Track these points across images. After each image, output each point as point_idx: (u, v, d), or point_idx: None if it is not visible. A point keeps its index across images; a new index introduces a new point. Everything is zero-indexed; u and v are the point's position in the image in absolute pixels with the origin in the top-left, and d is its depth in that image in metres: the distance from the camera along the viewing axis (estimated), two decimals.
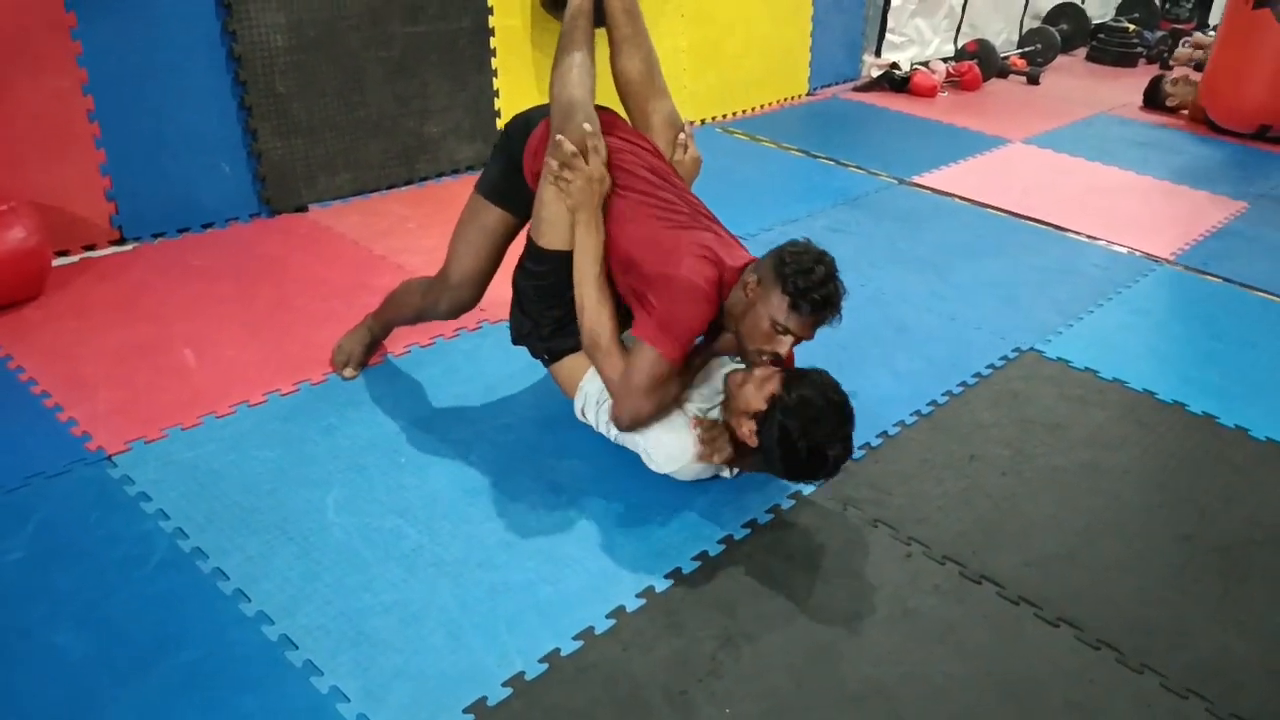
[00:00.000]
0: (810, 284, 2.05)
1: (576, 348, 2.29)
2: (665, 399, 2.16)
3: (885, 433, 2.61)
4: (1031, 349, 3.09)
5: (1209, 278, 3.75)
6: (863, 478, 2.42)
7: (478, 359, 2.83)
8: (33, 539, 2.04)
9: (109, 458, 2.29)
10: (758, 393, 2.07)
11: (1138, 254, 3.92)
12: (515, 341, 2.43)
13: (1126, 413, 2.80)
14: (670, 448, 2.17)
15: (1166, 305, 3.55)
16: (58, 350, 2.71)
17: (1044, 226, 4.13)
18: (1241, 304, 3.56)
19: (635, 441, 2.22)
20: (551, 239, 2.24)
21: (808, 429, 2.01)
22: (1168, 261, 3.86)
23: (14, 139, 3.07)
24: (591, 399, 2.29)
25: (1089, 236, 4.05)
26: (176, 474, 2.25)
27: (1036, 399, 2.83)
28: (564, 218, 2.21)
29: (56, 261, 3.14)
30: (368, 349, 2.72)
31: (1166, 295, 3.62)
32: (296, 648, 1.80)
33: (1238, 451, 2.66)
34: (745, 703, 1.77)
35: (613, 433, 2.25)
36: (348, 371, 2.67)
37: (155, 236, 3.42)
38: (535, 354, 2.40)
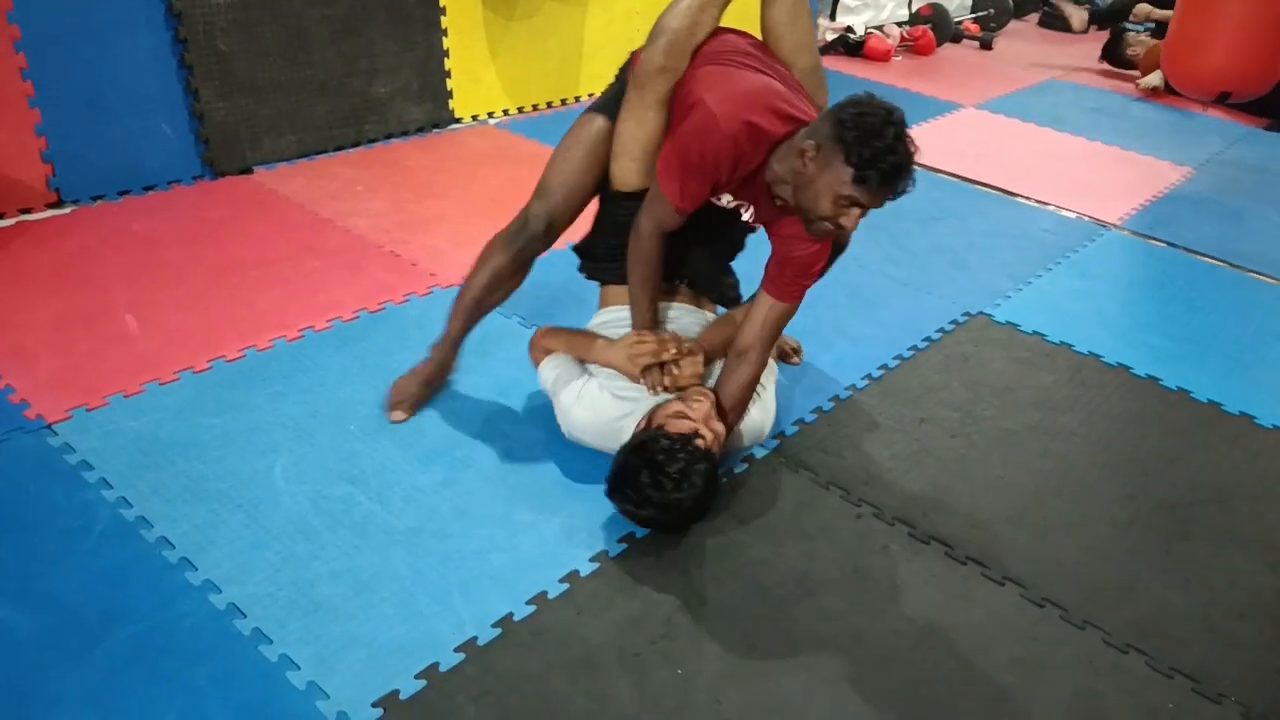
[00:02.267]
0: (879, 150, 1.76)
1: (613, 280, 2.35)
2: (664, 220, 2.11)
3: (837, 396, 2.63)
4: (981, 313, 3.13)
5: (1155, 242, 3.81)
6: (814, 440, 2.44)
7: (427, 325, 2.78)
8: None
9: (48, 426, 2.23)
10: (680, 424, 2.02)
11: (1086, 219, 3.97)
12: (576, 249, 2.45)
13: (1073, 375, 2.85)
14: (574, 414, 2.19)
15: (1114, 270, 3.60)
16: None
17: (995, 191, 4.16)
18: (1187, 268, 3.62)
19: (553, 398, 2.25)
20: (626, 180, 2.21)
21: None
22: (1115, 226, 3.92)
23: None
24: (549, 371, 2.29)
25: (1039, 201, 4.09)
26: (119, 442, 2.20)
27: (985, 362, 2.87)
28: (640, 157, 2.16)
29: None
30: (430, 387, 2.44)
31: (1114, 260, 3.67)
32: (245, 616, 1.78)
33: (1180, 413, 2.71)
34: (698, 663, 1.78)
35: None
36: (396, 414, 2.35)
37: (94, 199, 3.32)
38: (580, 268, 2.45)
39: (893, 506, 2.23)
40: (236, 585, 1.85)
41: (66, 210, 3.25)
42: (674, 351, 2.16)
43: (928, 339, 2.95)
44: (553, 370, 2.26)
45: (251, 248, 3.11)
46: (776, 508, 2.21)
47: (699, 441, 1.96)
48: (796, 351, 2.77)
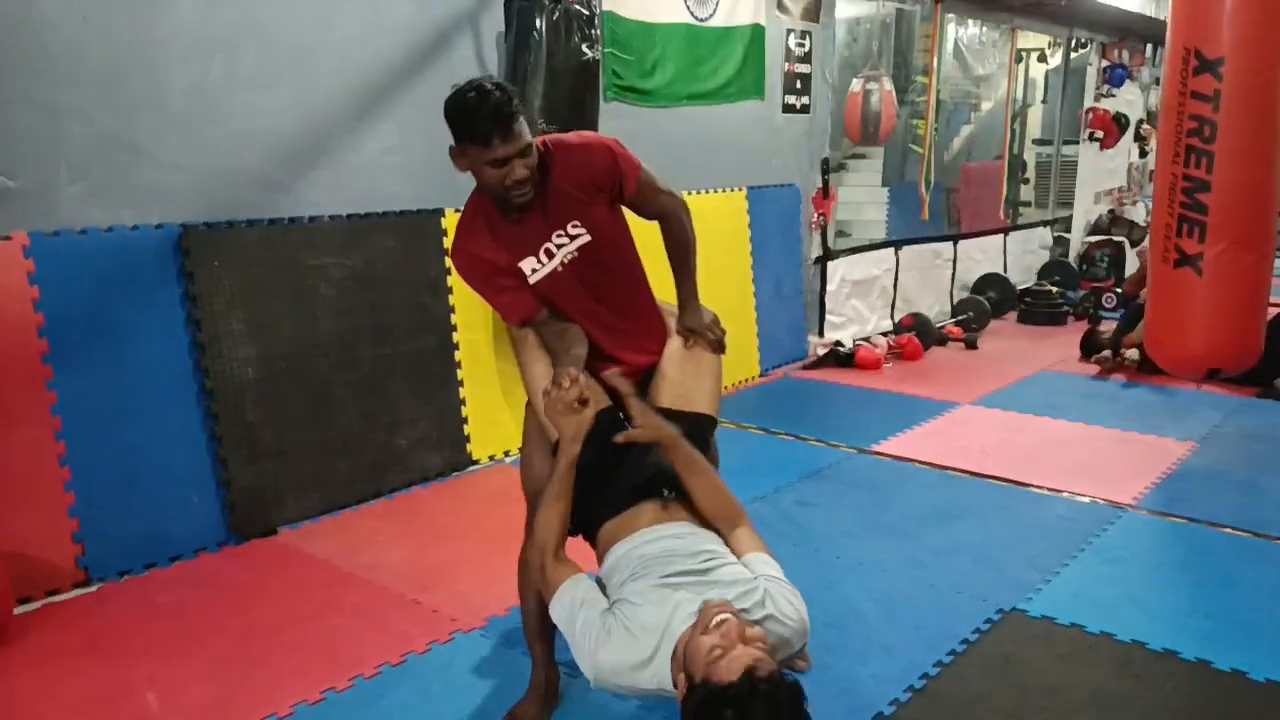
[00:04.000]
0: (462, 110, 2.11)
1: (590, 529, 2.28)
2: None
3: (881, 714, 2.51)
4: (1015, 609, 3.06)
5: (1176, 519, 3.80)
6: None
7: (450, 673, 2.73)
8: None
9: None
10: (727, 663, 1.77)
11: (1101, 502, 3.98)
12: None
13: (1121, 667, 2.74)
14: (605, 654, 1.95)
15: (1139, 551, 3.56)
16: (15, 705, 2.59)
17: (1006, 484, 4.21)
18: (1212, 542, 3.59)
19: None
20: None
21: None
22: (1132, 507, 3.92)
23: None
24: (561, 610, 2.07)
25: (1051, 489, 4.13)
26: None
27: (1028, 661, 2.77)
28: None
29: (18, 609, 3.06)
30: (548, 707, 2.49)
31: (1137, 541, 3.64)
32: None
33: (1242, 698, 2.58)
34: None
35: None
36: None
37: (121, 575, 3.37)
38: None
39: None
40: None
41: (94, 588, 3.29)
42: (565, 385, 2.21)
43: (965, 641, 2.87)
44: (566, 608, 2.04)
45: (275, 610, 3.11)
46: None
47: (759, 672, 1.73)
48: (803, 657, 2.67)
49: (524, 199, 2.18)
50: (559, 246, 2.31)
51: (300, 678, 2.69)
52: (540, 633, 2.44)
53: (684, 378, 2.48)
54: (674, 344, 2.54)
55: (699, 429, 2.38)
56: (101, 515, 3.34)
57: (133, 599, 3.22)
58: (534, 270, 2.32)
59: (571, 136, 2.35)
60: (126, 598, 3.23)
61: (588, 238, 2.32)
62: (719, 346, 2.56)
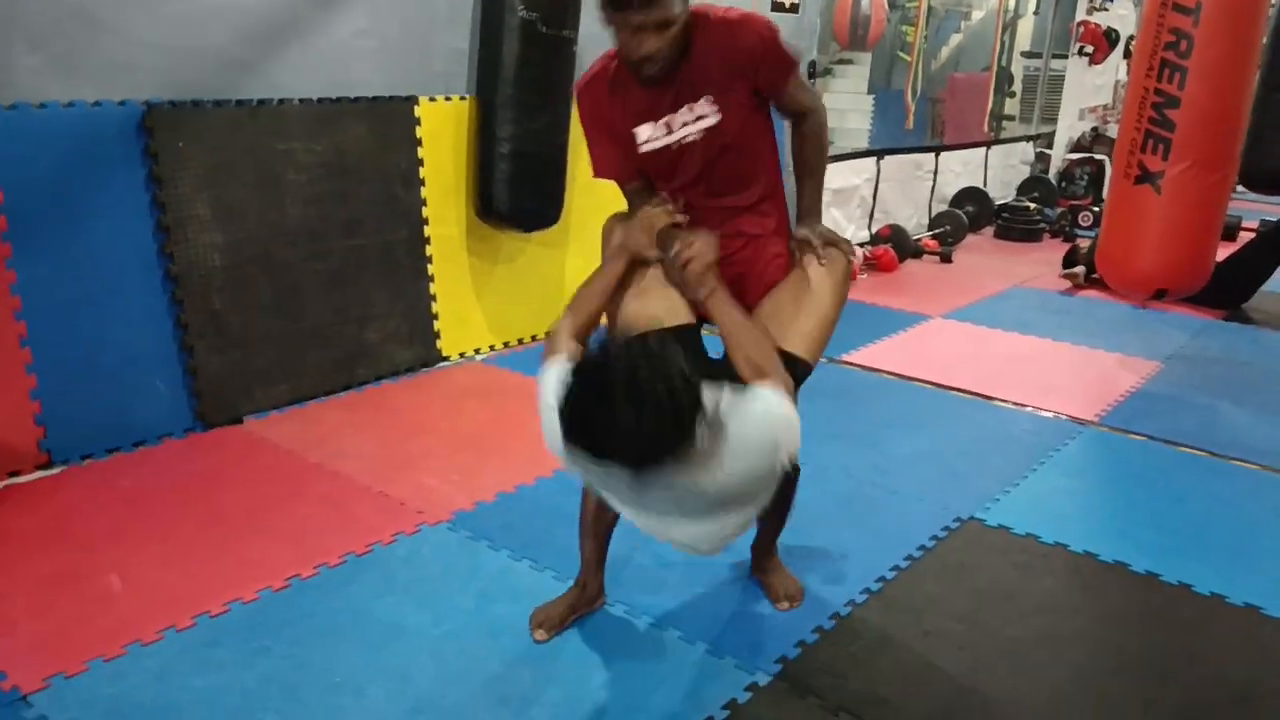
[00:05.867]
0: None
1: None
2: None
3: (837, 613, 2.57)
4: (972, 518, 3.12)
5: (1135, 436, 3.86)
6: (818, 662, 2.37)
7: (415, 564, 2.76)
8: None
9: (24, 697, 2.15)
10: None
11: (1064, 417, 4.04)
12: None
13: (1072, 576, 2.81)
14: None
15: (1097, 466, 3.63)
16: None
17: (971, 396, 4.26)
18: (1168, 460, 3.66)
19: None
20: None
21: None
22: (1093, 423, 3.98)
23: None
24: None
25: (1015, 403, 4.18)
26: (97, 711, 2.11)
27: (984, 568, 2.84)
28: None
29: None
30: (575, 612, 2.47)
31: (1096, 456, 3.71)
32: None
33: (1185, 608, 2.66)
34: None
35: None
36: (538, 634, 2.40)
37: (84, 458, 3.35)
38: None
39: None
40: None
41: (55, 471, 3.27)
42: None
43: (923, 547, 2.93)
44: (543, 383, 1.91)
45: (239, 498, 3.11)
46: None
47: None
48: (791, 598, 2.60)
49: (653, 72, 2.05)
50: (683, 124, 2.16)
51: (265, 564, 2.71)
52: (592, 531, 2.40)
53: (780, 309, 2.23)
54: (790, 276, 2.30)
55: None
56: (64, 399, 3.29)
57: (95, 483, 3.20)
58: (646, 141, 2.20)
59: (732, 12, 2.13)
60: (89, 482, 3.21)
61: (715, 119, 2.14)
62: (840, 264, 2.30)
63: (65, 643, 2.35)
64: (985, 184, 8.43)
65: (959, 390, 4.31)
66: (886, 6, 6.98)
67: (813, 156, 2.33)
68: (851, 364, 4.63)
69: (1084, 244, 6.64)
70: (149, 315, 3.49)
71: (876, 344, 4.95)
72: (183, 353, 3.57)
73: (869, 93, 9.24)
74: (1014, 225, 7.95)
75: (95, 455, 3.37)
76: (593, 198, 4.88)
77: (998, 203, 8.29)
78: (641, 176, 2.30)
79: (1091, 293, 6.16)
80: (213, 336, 3.62)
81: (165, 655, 2.32)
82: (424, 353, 4.36)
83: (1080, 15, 9.23)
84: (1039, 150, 9.55)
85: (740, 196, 2.26)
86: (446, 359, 4.45)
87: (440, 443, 3.54)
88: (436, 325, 4.39)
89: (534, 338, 4.83)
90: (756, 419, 1.81)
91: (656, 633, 2.47)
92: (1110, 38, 9.35)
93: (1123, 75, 10.20)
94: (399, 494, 3.15)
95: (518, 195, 4.33)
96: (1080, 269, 6.33)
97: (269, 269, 3.76)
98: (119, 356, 3.42)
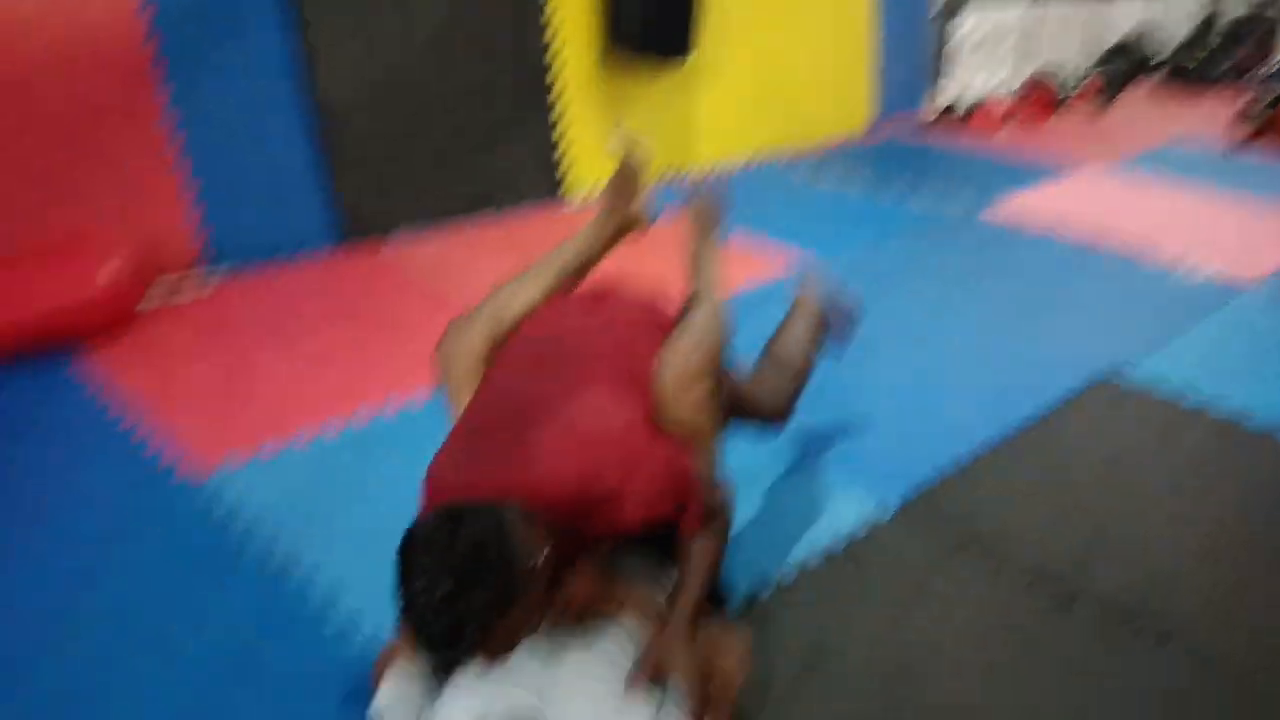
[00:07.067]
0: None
1: None
2: None
3: (968, 454, 2.55)
4: (1119, 373, 3.01)
5: None
6: (947, 499, 2.37)
7: None
8: (129, 557, 2.09)
9: (199, 481, 2.34)
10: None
11: (1223, 278, 3.81)
12: None
13: (1216, 440, 2.70)
14: None
15: (1253, 331, 3.42)
16: (150, 376, 2.80)
17: (1124, 252, 4.04)
18: None
19: None
20: None
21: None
22: (1254, 284, 3.75)
23: (108, 179, 3.20)
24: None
25: (1170, 261, 3.95)
26: (262, 495, 2.29)
27: (1122, 425, 2.75)
28: None
29: (148, 292, 3.24)
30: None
31: (1253, 321, 3.49)
32: None
33: None
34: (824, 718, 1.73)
35: None
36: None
37: (238, 269, 3.52)
38: None
39: (1031, 566, 2.14)
40: (373, 627, 1.88)
41: (214, 280, 3.45)
42: None
43: (1060, 400, 2.85)
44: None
45: (382, 315, 3.24)
46: (907, 568, 2.14)
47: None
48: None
49: None
50: None
51: (400, 380, 2.83)
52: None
53: None
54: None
55: None
56: (219, 210, 3.46)
57: (249, 290, 3.38)
58: None
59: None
60: (243, 290, 3.39)
61: None
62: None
63: (228, 436, 2.53)
64: (1150, 30, 7.75)
65: (1111, 246, 4.10)
66: None
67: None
68: (996, 218, 4.43)
69: (1258, 96, 6.08)
70: (295, 136, 3.59)
71: (1025, 195, 4.72)
72: (327, 173, 3.67)
73: None
74: (1182, 74, 7.33)
75: (250, 264, 3.54)
76: (725, 41, 4.71)
77: (1163, 50, 7.63)
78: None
79: (1263, 146, 5.68)
80: (354, 158, 3.70)
81: (319, 453, 2.48)
82: (553, 186, 4.37)
83: None
84: None
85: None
86: (575, 193, 4.45)
87: None
88: (565, 159, 4.38)
89: (661, 176, 4.78)
90: None
91: (785, 457, 2.50)
92: None
93: None
94: None
95: (649, 19, 4.21)
96: (1257, 120, 5.82)
97: (409, 93, 3.78)
98: (268, 174, 3.55)
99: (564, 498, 1.50)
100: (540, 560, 1.40)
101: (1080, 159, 5.36)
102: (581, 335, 1.81)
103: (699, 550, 1.68)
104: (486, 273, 3.61)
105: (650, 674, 1.50)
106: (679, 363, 1.75)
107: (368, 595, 1.97)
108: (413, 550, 1.35)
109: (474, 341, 1.82)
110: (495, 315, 1.84)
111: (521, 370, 1.74)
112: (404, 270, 3.58)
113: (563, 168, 4.37)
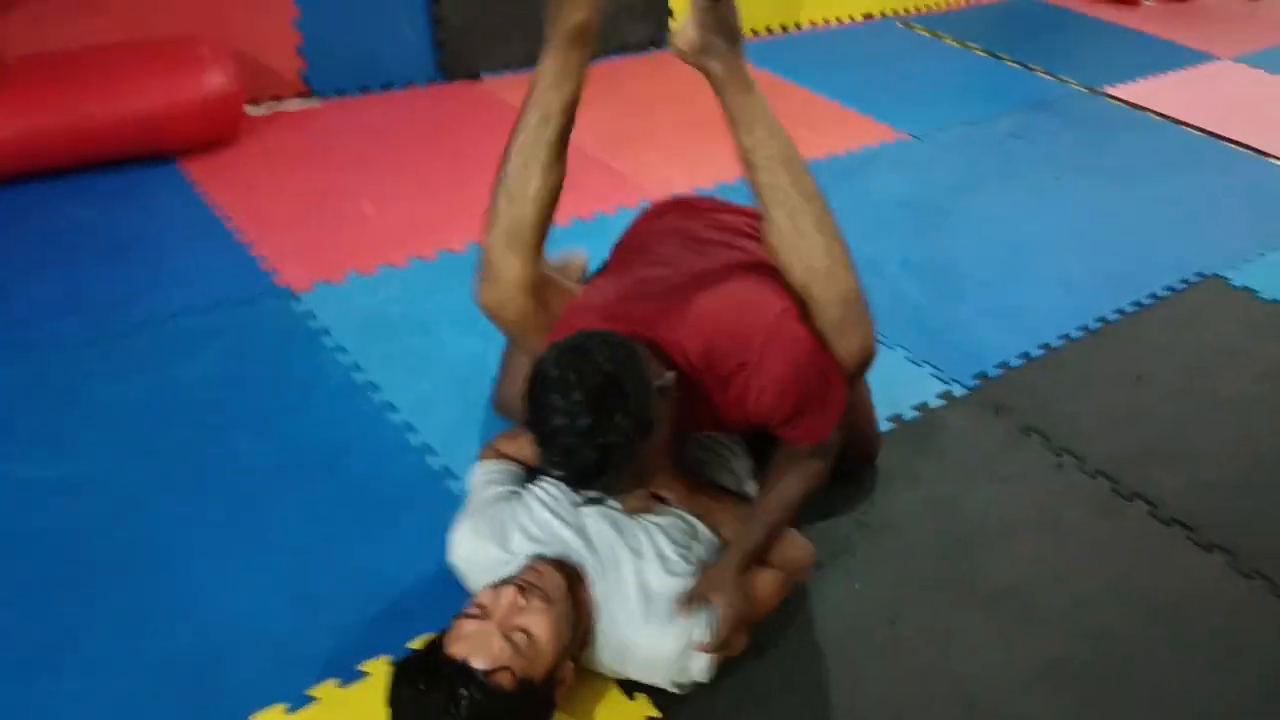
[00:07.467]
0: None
1: None
2: None
3: (1048, 344, 2.53)
4: (1216, 274, 2.91)
5: None
6: (1019, 385, 2.36)
7: None
8: (221, 356, 2.22)
9: (294, 294, 2.45)
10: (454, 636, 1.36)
11: None
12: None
13: None
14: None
15: None
16: (250, 190, 2.88)
17: (1242, 149, 3.82)
18: None
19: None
20: None
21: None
22: None
23: None
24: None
25: None
26: (354, 314, 2.39)
27: (1216, 325, 2.68)
28: None
29: (248, 109, 3.30)
30: None
31: None
32: (457, 478, 1.92)
33: None
34: (877, 585, 1.80)
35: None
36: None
37: (338, 93, 3.56)
38: None
39: (1097, 459, 2.15)
40: (451, 451, 1.99)
41: (314, 101, 3.49)
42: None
43: (1154, 295, 2.78)
44: (483, 477, 1.73)
45: (479, 150, 3.24)
46: (971, 448, 2.17)
47: (483, 675, 1.30)
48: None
49: None
50: None
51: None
52: None
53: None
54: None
55: None
56: (322, 32, 3.46)
57: (349, 116, 3.42)
58: None
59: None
60: (343, 114, 3.43)
61: None
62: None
63: (326, 253, 2.62)
64: None
65: (1231, 141, 3.87)
66: None
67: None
68: (1116, 97, 4.21)
69: None
70: None
71: (1149, 79, 4.45)
72: (429, 3, 3.63)
73: None
74: None
75: (348, 91, 3.57)
76: None
77: None
78: None
79: None
80: None
81: (412, 278, 2.56)
82: (657, 32, 4.26)
83: None
84: None
85: None
86: None
87: (666, 124, 3.54)
88: (671, 3, 4.24)
89: (769, 30, 4.62)
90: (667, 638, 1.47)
91: None
92: None
93: None
94: (623, 168, 3.22)
95: None
96: None
97: None
98: (372, 3, 3.53)
99: (701, 350, 1.47)
100: (670, 385, 1.40)
101: (1218, 46, 5.00)
102: (711, 229, 1.76)
103: (798, 473, 1.59)
104: (584, 116, 3.59)
105: (692, 605, 1.48)
106: (845, 290, 1.55)
107: (444, 422, 2.08)
108: (544, 389, 1.33)
109: (511, 274, 1.58)
110: (513, 232, 1.59)
111: (665, 242, 1.72)
112: (500, 109, 3.57)
113: (667, 12, 4.25)
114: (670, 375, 1.42)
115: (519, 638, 1.34)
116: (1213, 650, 1.74)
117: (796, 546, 1.66)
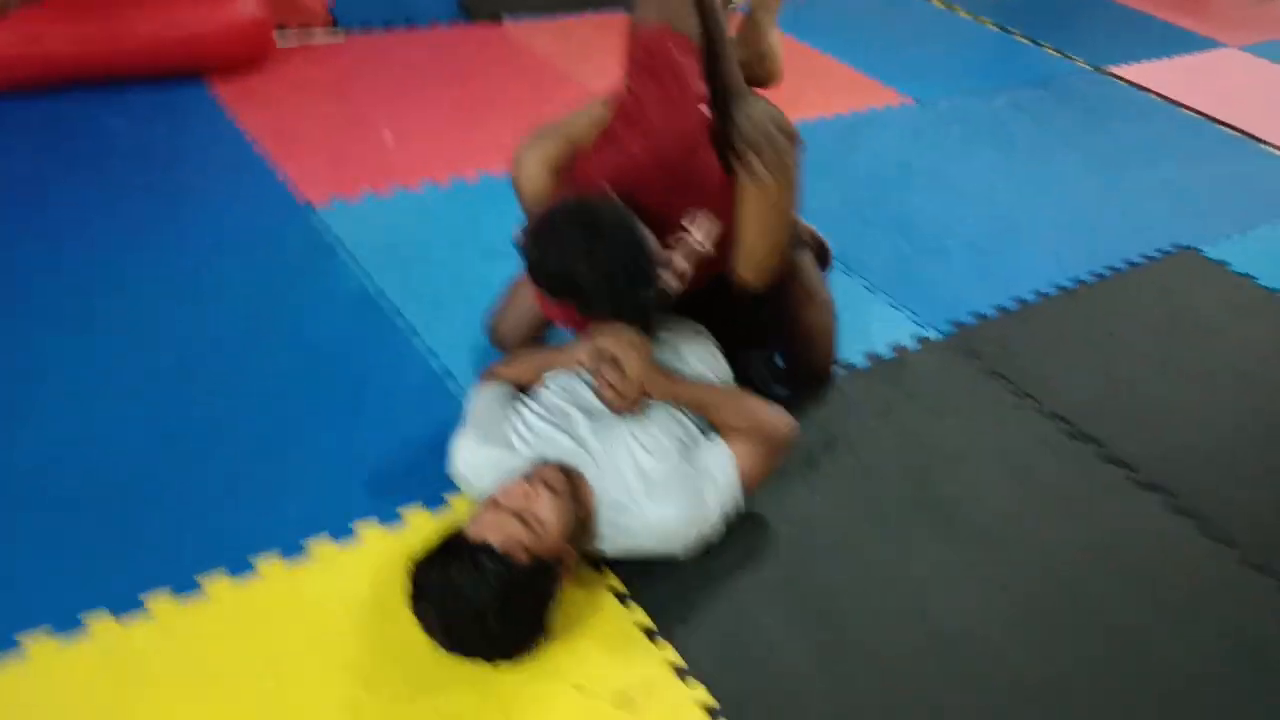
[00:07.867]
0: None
1: None
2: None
3: (1022, 298, 2.67)
4: (1193, 247, 3.04)
5: None
6: (991, 334, 2.51)
7: None
8: (245, 266, 2.37)
9: (313, 208, 2.60)
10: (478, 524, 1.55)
11: None
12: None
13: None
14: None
15: None
16: (276, 114, 3.02)
17: (1237, 134, 3.93)
18: None
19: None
20: None
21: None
22: None
23: None
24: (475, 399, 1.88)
25: None
26: (369, 231, 2.54)
27: (1191, 296, 2.81)
28: None
29: (277, 37, 3.42)
30: None
31: None
32: (457, 380, 2.08)
33: None
34: (837, 496, 1.95)
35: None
36: None
37: (364, 28, 3.68)
38: None
39: (1055, 404, 2.29)
40: (453, 355, 2.15)
41: (340, 35, 3.62)
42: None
43: (1131, 263, 2.91)
44: (483, 399, 1.86)
45: (497, 89, 3.38)
46: (940, 386, 2.31)
47: (501, 551, 1.48)
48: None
49: None
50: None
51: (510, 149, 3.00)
52: None
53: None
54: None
55: None
56: None
57: (373, 51, 3.54)
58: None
59: None
60: (368, 48, 3.56)
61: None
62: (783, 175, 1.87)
63: (345, 174, 2.76)
64: None
65: (1226, 125, 3.98)
66: None
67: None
68: (1118, 77, 4.31)
69: None
70: None
71: (1152, 62, 4.55)
72: None
73: None
74: None
75: (373, 26, 3.69)
76: None
77: None
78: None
79: None
80: None
81: (425, 202, 2.71)
82: None
83: None
84: None
85: None
86: None
87: None
88: None
89: None
90: (694, 474, 1.71)
91: (842, 279, 2.64)
92: None
93: None
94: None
95: None
96: None
97: None
98: None
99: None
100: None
101: (1225, 34, 5.08)
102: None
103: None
104: (603, 65, 3.71)
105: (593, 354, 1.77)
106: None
107: (450, 336, 2.23)
108: (562, 255, 1.67)
109: (546, 154, 1.98)
110: (564, 134, 1.99)
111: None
112: (520, 54, 3.69)
113: None
114: None
115: (530, 519, 1.53)
116: (1140, 569, 1.90)
117: (773, 414, 1.82)
